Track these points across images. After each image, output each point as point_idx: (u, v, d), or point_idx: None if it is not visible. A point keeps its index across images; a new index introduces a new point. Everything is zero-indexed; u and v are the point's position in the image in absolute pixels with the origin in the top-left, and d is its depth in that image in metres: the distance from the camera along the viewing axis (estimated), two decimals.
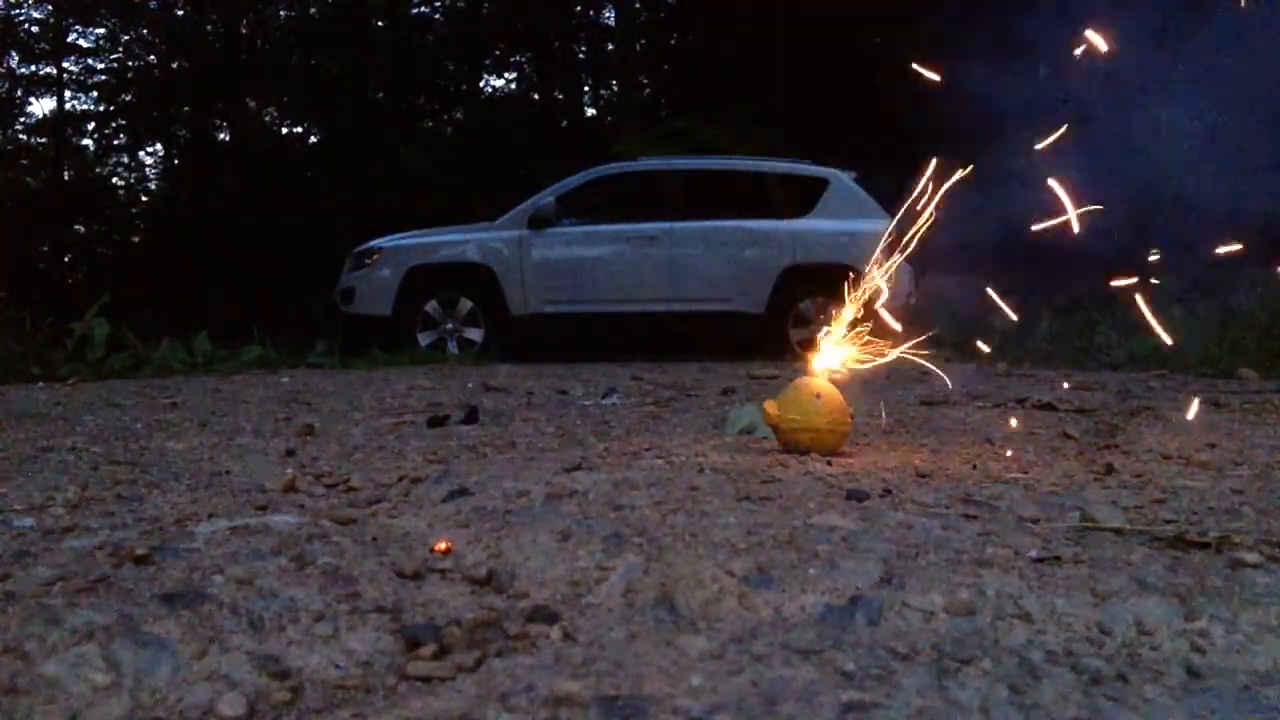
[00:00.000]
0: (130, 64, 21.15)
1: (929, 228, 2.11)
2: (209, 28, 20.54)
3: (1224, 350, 5.67)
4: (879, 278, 2.13)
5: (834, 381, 2.09)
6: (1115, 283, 2.33)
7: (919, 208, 2.10)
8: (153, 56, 21.18)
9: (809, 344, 2.16)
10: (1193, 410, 2.86)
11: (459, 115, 20.39)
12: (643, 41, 19.02)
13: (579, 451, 2.10)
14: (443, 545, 1.25)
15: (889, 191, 6.38)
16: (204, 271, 17.61)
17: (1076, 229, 1.88)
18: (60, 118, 20.44)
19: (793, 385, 2.07)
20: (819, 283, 7.22)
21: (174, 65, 20.70)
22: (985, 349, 5.81)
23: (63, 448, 2.30)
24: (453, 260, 7.85)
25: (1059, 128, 2.00)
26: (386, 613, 1.03)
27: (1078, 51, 1.91)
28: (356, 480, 1.78)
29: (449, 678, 0.89)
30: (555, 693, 0.83)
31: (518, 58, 21.55)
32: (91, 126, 21.41)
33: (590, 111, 21.69)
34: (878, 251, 2.14)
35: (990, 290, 2.42)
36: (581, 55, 21.35)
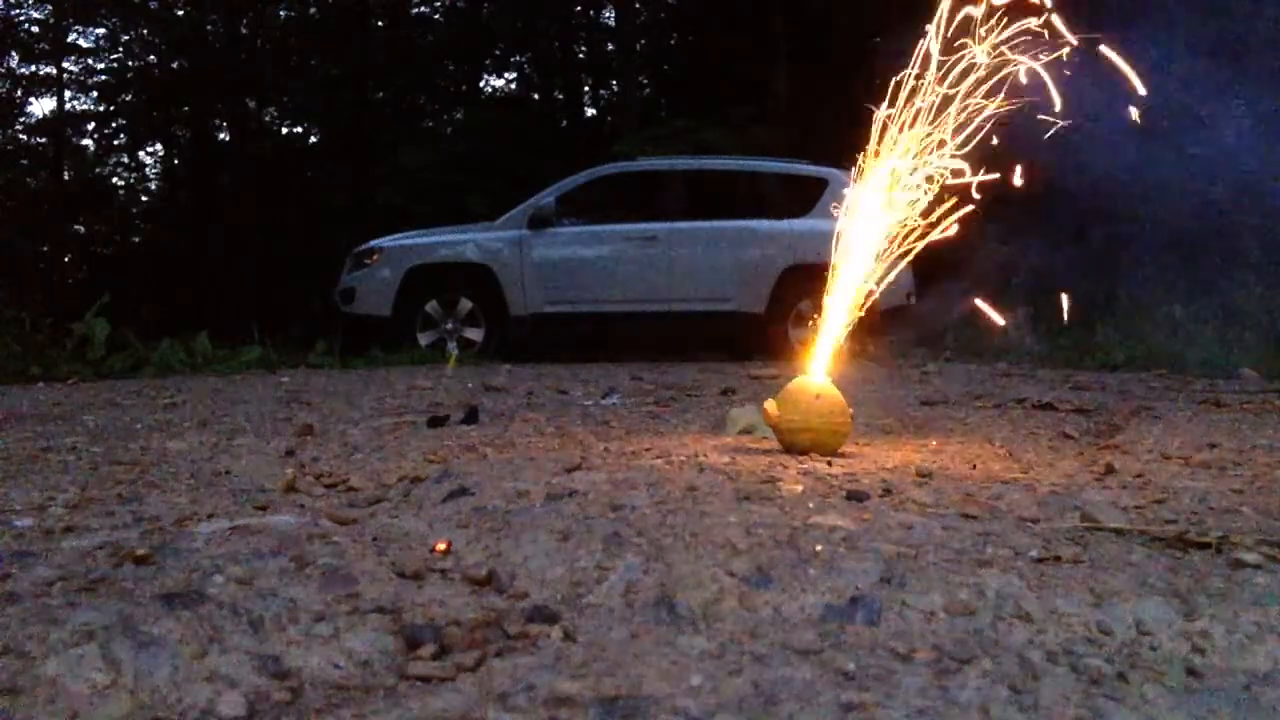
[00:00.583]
0: (130, 64, 21.13)
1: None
2: (209, 28, 20.53)
3: (1224, 350, 5.67)
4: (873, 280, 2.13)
5: (833, 381, 2.09)
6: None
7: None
8: (153, 56, 21.17)
9: (808, 344, 2.16)
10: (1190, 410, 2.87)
11: (459, 115, 20.38)
12: (643, 41, 19.00)
13: (579, 451, 2.10)
14: (442, 545, 1.25)
15: None
16: (204, 271, 17.61)
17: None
18: (60, 118, 20.43)
19: (793, 385, 2.07)
20: (819, 283, 7.22)
21: (174, 65, 20.69)
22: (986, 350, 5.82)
23: (63, 448, 2.30)
24: (453, 260, 7.85)
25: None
26: (386, 613, 1.03)
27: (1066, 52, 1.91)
28: (356, 480, 1.78)
29: (449, 678, 0.89)
30: (555, 693, 0.83)
31: (518, 58, 21.54)
32: (91, 126, 21.41)
33: (590, 111, 21.68)
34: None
35: (981, 299, 2.43)
36: (581, 55, 21.34)
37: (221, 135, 21.42)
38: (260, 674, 0.89)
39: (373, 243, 8.00)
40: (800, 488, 1.58)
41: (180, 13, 20.75)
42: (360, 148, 18.19)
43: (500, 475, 1.69)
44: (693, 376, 5.08)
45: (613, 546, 1.20)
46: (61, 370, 5.51)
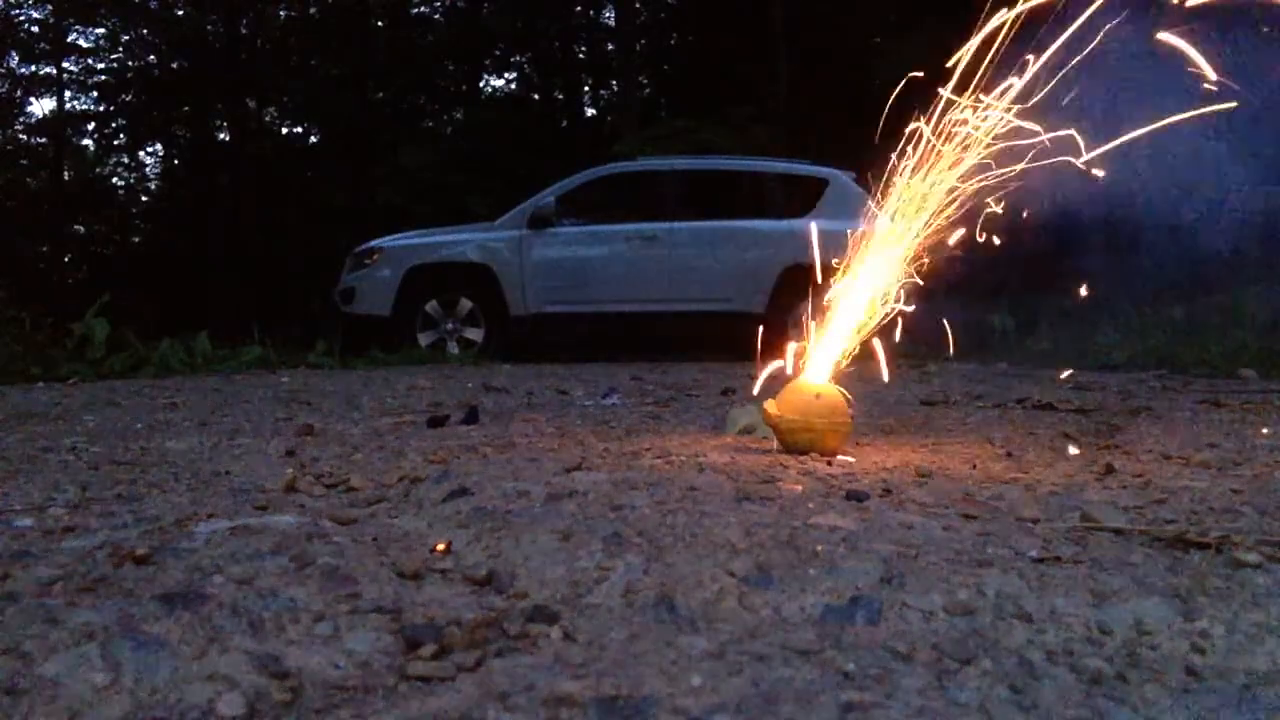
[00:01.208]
0: (130, 64, 21.15)
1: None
2: (209, 28, 20.54)
3: (1224, 350, 5.67)
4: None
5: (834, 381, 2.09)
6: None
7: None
8: (153, 56, 21.18)
9: (808, 344, 2.16)
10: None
11: (459, 115, 20.39)
12: (643, 41, 19.01)
13: (579, 451, 2.10)
14: (442, 545, 1.25)
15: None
16: (204, 271, 17.62)
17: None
18: (60, 118, 20.45)
19: (793, 385, 2.07)
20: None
21: (174, 65, 20.70)
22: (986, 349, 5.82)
23: (63, 448, 2.30)
24: (453, 260, 7.85)
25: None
26: (386, 613, 1.03)
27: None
28: (356, 480, 1.78)
29: (449, 678, 0.89)
30: (555, 693, 0.83)
31: (518, 58, 21.55)
32: (91, 126, 21.43)
33: (590, 111, 21.70)
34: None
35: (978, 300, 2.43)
36: (581, 55, 21.35)
37: (221, 135, 21.44)
38: (260, 674, 0.89)
39: (373, 243, 8.01)
40: (800, 488, 1.58)
41: (180, 13, 20.77)
42: (360, 148, 18.21)
43: (500, 475, 1.69)
44: (693, 376, 5.08)
45: (613, 546, 1.20)
46: (61, 370, 5.51)
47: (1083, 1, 1.83)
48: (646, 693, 0.83)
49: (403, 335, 7.60)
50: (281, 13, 21.48)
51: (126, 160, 22.23)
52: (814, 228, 2.48)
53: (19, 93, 20.40)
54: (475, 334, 7.78)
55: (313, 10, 21.37)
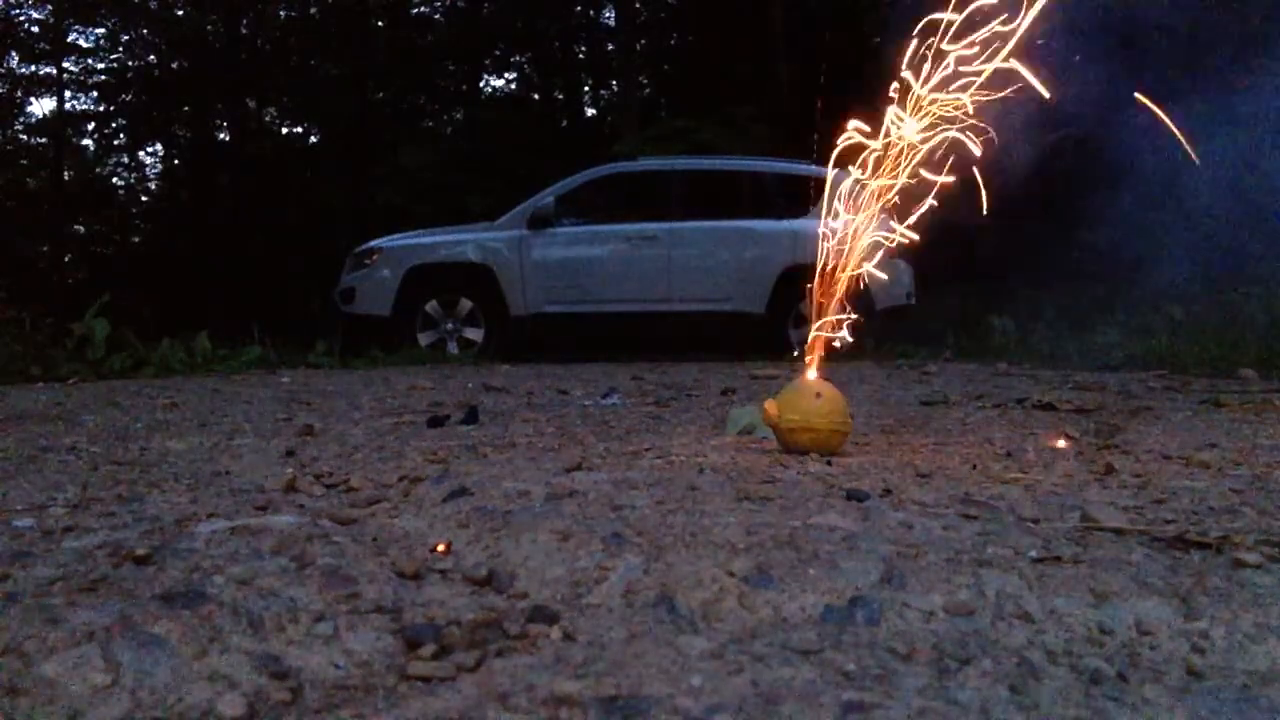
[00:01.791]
0: (130, 64, 21.15)
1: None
2: (209, 28, 20.54)
3: (1224, 350, 5.67)
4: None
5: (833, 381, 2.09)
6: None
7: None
8: (153, 56, 21.19)
9: (809, 343, 2.16)
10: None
11: (459, 115, 20.40)
12: (643, 41, 19.02)
13: (579, 451, 2.10)
14: (442, 545, 1.25)
15: None
16: (204, 271, 17.61)
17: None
18: (60, 118, 20.44)
19: (793, 385, 2.07)
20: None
21: (174, 65, 20.71)
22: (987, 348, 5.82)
23: (63, 448, 2.30)
24: (453, 260, 7.85)
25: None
26: (386, 613, 1.03)
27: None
28: (356, 480, 1.78)
29: (449, 678, 0.89)
30: (555, 693, 0.83)
31: (518, 58, 21.55)
32: (91, 126, 21.43)
33: (590, 111, 21.70)
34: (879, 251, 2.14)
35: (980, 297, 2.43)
36: (581, 55, 21.35)
37: (221, 135, 21.45)
38: (260, 674, 0.89)
39: (373, 243, 8.01)
40: (800, 488, 1.58)
41: (180, 13, 20.78)
42: (360, 148, 18.21)
43: (500, 475, 1.69)
44: (693, 376, 5.08)
45: (613, 546, 1.20)
46: (61, 370, 5.51)
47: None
48: (646, 693, 0.83)
49: (403, 335, 7.60)
50: (281, 13, 21.48)
51: (126, 160, 22.24)
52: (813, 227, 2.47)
53: (19, 93, 20.40)
54: (475, 334, 7.78)
55: (313, 10, 21.38)
